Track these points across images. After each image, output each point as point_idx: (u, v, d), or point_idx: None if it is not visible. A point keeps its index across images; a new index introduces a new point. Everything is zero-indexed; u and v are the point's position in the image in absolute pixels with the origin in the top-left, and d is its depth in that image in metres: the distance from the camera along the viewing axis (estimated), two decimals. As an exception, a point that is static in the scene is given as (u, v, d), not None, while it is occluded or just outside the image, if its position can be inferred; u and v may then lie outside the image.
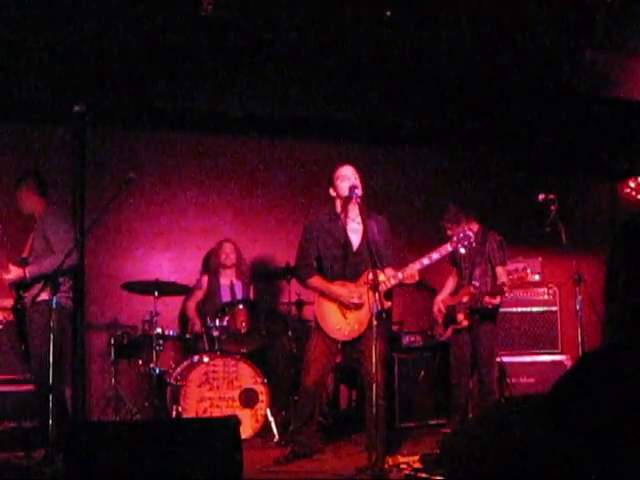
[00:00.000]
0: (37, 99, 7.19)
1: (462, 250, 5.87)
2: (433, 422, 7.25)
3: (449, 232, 6.63)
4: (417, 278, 5.76)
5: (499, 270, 6.97)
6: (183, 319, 7.82)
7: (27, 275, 5.97)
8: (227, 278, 7.64)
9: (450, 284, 7.19)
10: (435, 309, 7.05)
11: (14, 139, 7.66)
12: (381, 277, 5.49)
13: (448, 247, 5.78)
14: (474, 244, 5.92)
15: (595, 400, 1.92)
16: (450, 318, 6.94)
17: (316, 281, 5.88)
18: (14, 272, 5.99)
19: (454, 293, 7.08)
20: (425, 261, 5.69)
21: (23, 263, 6.09)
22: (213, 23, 6.32)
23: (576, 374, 2.06)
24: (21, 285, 6.04)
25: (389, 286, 5.65)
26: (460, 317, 6.88)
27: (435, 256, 5.73)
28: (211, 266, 7.75)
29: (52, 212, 6.16)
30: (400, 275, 5.64)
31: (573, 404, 1.97)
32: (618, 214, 9.13)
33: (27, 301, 5.99)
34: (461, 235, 5.79)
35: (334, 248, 5.88)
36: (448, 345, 7.05)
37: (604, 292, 2.12)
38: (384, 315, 5.23)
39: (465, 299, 6.91)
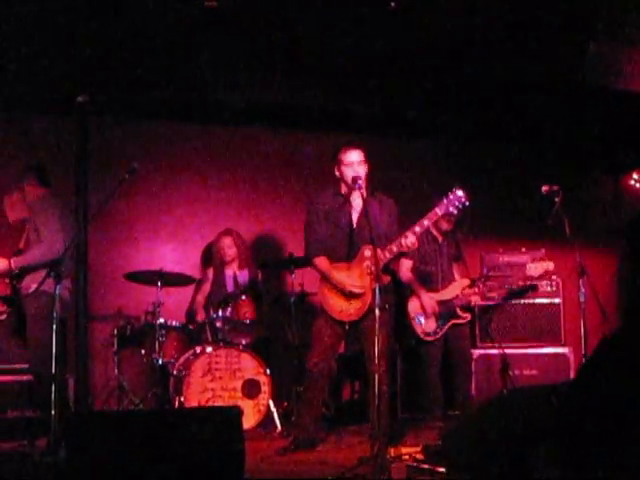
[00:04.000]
0: (40, 90, 7.19)
1: (454, 212, 5.71)
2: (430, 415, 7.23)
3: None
4: (416, 245, 5.65)
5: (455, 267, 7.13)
6: (191, 312, 7.79)
7: (12, 266, 5.93)
8: (230, 270, 7.61)
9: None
10: (429, 307, 6.90)
11: (18, 130, 7.65)
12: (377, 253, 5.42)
13: (437, 211, 5.59)
14: (466, 204, 5.71)
15: (618, 381, 1.92)
16: (449, 313, 6.91)
17: (322, 262, 5.84)
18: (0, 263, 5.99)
19: (438, 287, 7.03)
20: (417, 229, 5.57)
21: (18, 254, 6.07)
22: (216, 13, 6.30)
23: (597, 359, 2.06)
24: (15, 275, 6.01)
25: (386, 260, 5.59)
26: (460, 311, 6.87)
27: (426, 222, 5.62)
28: (214, 260, 7.71)
29: (45, 202, 6.06)
30: (395, 247, 5.58)
31: (598, 387, 1.97)
32: (622, 206, 9.11)
33: (23, 291, 5.97)
34: (451, 197, 5.62)
35: (336, 229, 5.85)
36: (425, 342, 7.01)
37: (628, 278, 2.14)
38: (384, 290, 5.08)
39: (460, 293, 6.90)
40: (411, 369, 7.43)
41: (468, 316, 6.91)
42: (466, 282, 6.95)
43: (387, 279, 5.59)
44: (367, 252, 5.24)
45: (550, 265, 6.96)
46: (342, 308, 5.78)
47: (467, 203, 5.65)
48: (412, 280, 6.96)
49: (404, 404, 7.31)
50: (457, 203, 5.61)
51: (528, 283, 7.36)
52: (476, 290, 6.95)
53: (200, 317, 7.45)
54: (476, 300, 6.94)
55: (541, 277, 7.18)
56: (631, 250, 2.09)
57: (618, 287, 8.13)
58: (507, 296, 7.44)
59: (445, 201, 5.62)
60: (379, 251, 5.44)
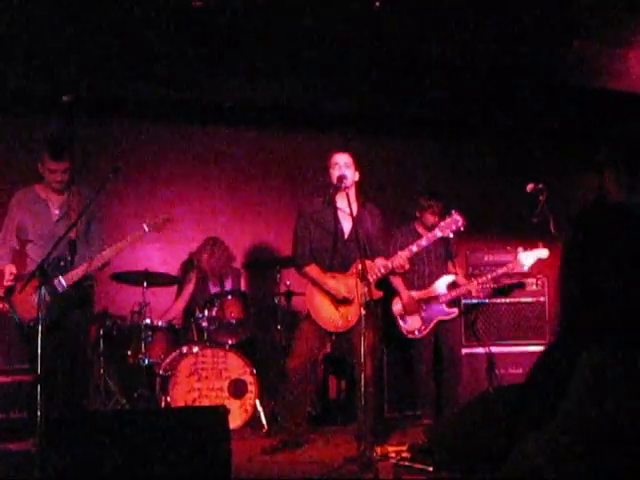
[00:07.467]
0: (25, 89, 7.16)
1: (451, 235, 5.85)
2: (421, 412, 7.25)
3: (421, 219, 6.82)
4: (407, 267, 5.78)
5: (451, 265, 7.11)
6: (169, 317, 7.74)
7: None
8: (215, 279, 7.55)
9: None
10: (409, 306, 6.90)
11: (1, 129, 7.62)
12: (371, 267, 5.51)
13: (437, 233, 5.78)
14: (462, 229, 5.89)
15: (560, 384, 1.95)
16: (433, 311, 6.93)
17: (312, 270, 5.87)
18: None
19: (425, 285, 7.05)
20: (414, 248, 5.71)
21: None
22: (203, 12, 6.29)
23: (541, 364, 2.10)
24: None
25: (379, 276, 5.67)
26: (446, 307, 6.91)
27: (424, 243, 5.76)
28: (199, 268, 7.58)
29: None
30: (390, 264, 5.66)
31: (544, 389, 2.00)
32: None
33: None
34: (449, 220, 5.80)
35: (324, 236, 5.87)
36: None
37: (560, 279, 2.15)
38: (373, 304, 5.23)
39: (446, 289, 6.94)
40: (398, 368, 7.45)
41: (455, 312, 6.94)
42: (450, 279, 6.98)
43: (378, 294, 5.63)
44: (360, 267, 5.26)
45: (543, 253, 6.85)
46: (331, 318, 5.79)
47: (462, 228, 5.85)
48: (395, 279, 6.96)
49: (390, 403, 7.32)
50: (454, 227, 5.80)
51: (515, 281, 7.41)
52: (466, 284, 6.99)
53: (177, 322, 7.36)
54: (463, 293, 6.99)
55: (533, 266, 7.13)
56: (577, 239, 2.10)
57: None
58: (494, 292, 7.46)
59: (443, 224, 5.83)
60: (373, 265, 5.61)
